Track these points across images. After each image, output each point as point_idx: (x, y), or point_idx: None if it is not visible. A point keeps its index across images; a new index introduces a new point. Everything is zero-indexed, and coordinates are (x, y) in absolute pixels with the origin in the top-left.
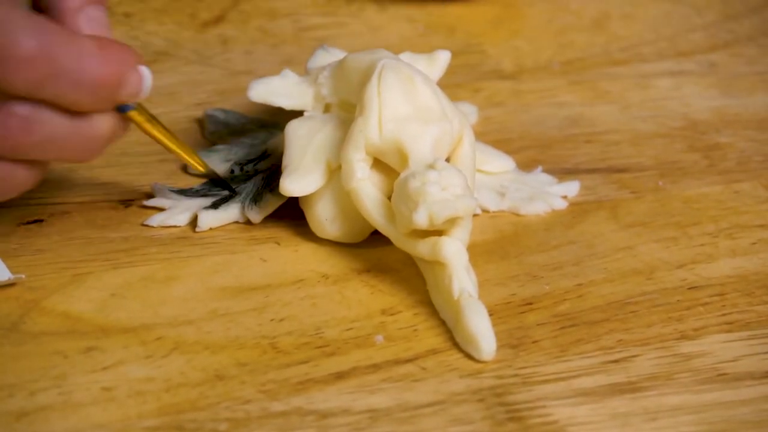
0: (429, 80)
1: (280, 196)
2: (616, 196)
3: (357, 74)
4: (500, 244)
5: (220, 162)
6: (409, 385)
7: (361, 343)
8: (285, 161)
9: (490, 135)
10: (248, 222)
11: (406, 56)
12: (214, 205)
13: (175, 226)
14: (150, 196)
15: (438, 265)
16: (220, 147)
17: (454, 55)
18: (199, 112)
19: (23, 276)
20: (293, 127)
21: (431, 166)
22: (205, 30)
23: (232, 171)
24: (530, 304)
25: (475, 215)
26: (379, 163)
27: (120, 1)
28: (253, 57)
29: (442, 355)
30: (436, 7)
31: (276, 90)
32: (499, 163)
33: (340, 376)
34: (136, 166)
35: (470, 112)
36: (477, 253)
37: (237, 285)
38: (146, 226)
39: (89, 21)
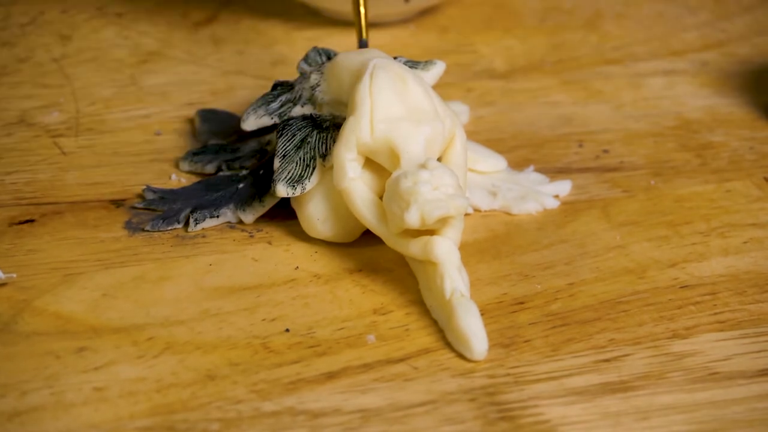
0: (421, 80)
1: (272, 196)
2: (608, 195)
3: (349, 74)
4: (492, 243)
5: (211, 161)
6: (401, 384)
7: (353, 343)
8: (277, 161)
9: (482, 134)
10: (240, 222)
11: (401, 62)
12: (207, 206)
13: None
14: (141, 197)
15: (430, 264)
16: (211, 146)
17: (446, 54)
18: (190, 112)
19: (14, 275)
20: (284, 128)
21: (423, 166)
22: (197, 30)
23: (220, 169)
24: (522, 303)
25: (466, 215)
26: (370, 163)
27: (112, 1)
28: (245, 57)
29: (434, 354)
30: (427, 5)
31: (265, 119)
32: (491, 163)
33: (331, 375)
34: (127, 166)
35: (462, 111)
36: (469, 252)
37: (229, 285)
38: (138, 226)
39: None
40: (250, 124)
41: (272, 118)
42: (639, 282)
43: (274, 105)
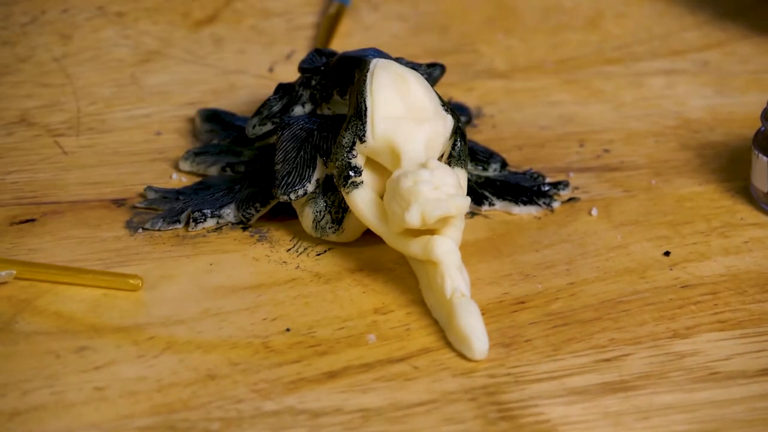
0: (422, 79)
1: (273, 196)
2: (609, 194)
3: (349, 73)
4: (493, 243)
5: (213, 163)
6: (402, 384)
7: (354, 343)
8: (277, 164)
9: (482, 134)
10: (241, 221)
11: (403, 63)
12: (208, 205)
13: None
14: (143, 196)
15: (430, 264)
16: (212, 146)
17: (447, 54)
18: (191, 112)
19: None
20: (285, 128)
21: (424, 166)
22: (198, 29)
23: (224, 170)
24: (523, 303)
25: (467, 214)
26: (371, 162)
27: (113, 0)
28: (245, 56)
29: (435, 354)
30: (428, 5)
31: (268, 125)
32: (492, 162)
33: (332, 375)
34: (127, 166)
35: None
36: (470, 252)
37: (229, 284)
38: (139, 225)
39: None
40: (253, 131)
41: (274, 123)
42: (640, 282)
43: (276, 108)
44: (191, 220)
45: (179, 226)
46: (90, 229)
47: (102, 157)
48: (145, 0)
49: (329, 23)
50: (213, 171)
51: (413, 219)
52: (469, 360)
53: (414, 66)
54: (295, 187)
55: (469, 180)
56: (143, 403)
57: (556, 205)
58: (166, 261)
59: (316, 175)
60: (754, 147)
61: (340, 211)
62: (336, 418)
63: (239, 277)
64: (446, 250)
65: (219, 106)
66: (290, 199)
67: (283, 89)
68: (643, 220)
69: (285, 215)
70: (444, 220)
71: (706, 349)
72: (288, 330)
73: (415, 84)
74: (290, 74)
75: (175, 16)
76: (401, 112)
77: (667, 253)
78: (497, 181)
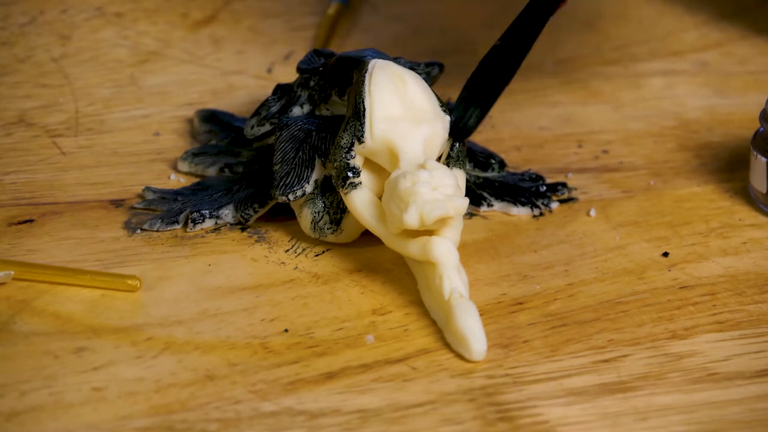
0: (420, 80)
1: (271, 197)
2: (608, 195)
3: (348, 74)
4: (491, 243)
5: (212, 164)
6: (400, 385)
7: (352, 343)
8: (276, 165)
9: (481, 134)
10: (239, 222)
11: (402, 62)
12: (206, 206)
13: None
14: (141, 197)
15: (428, 265)
16: (210, 147)
17: (446, 54)
18: (190, 112)
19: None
20: (283, 129)
21: (422, 166)
22: (196, 30)
23: (223, 171)
24: (521, 303)
25: (465, 215)
26: (370, 163)
27: (112, 1)
28: (244, 57)
29: (433, 355)
30: (428, 5)
31: (266, 125)
32: (490, 163)
33: (330, 376)
34: (126, 167)
35: None
36: (468, 252)
37: (228, 285)
38: (137, 226)
39: None
40: (252, 132)
41: (272, 124)
42: (638, 282)
43: (274, 109)
44: (189, 220)
45: (177, 226)
46: (88, 229)
47: (100, 158)
48: (144, 0)
49: (328, 24)
50: (211, 171)
51: (411, 220)
52: (468, 361)
53: (412, 65)
54: (293, 187)
55: (467, 181)
56: (141, 404)
57: (554, 205)
58: (165, 262)
59: (314, 176)
60: (753, 148)
61: (338, 211)
62: (334, 419)
63: (237, 277)
64: (444, 251)
65: (217, 106)
66: (288, 199)
67: (281, 90)
68: (642, 220)
69: (283, 216)
70: (442, 221)
71: (704, 350)
72: (286, 331)
73: (414, 85)
74: (289, 75)
75: (174, 16)
76: (400, 113)
77: (665, 254)
78: (496, 181)
